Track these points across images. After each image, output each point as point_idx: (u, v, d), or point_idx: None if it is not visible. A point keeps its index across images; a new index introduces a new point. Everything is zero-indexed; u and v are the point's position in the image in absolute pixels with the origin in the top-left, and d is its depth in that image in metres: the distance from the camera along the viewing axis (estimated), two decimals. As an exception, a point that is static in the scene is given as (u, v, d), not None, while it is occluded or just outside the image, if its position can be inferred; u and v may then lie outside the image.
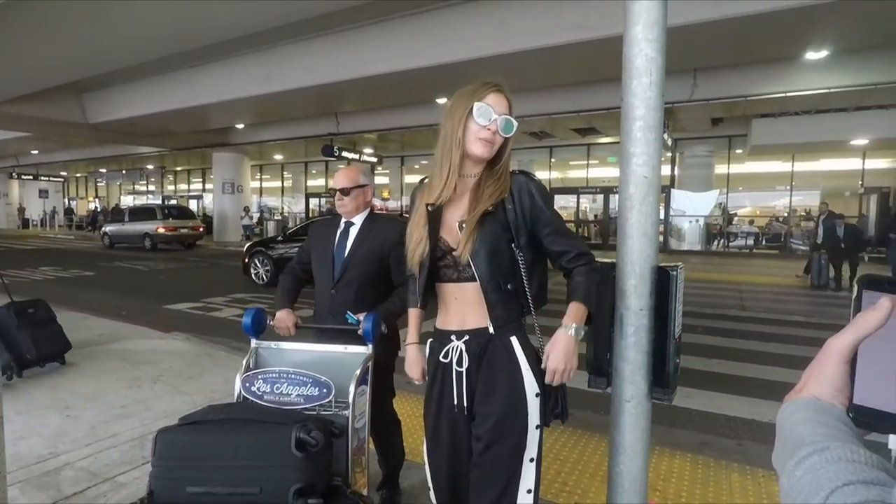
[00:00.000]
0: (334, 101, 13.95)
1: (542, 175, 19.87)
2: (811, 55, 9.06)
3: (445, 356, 1.44)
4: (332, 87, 11.21)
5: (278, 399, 1.97)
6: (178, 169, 30.64)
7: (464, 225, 1.39)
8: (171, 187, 32.27)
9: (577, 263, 1.36)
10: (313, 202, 25.60)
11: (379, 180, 23.94)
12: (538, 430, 1.37)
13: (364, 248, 2.27)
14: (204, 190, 30.23)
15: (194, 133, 19.29)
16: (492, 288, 1.37)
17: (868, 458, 0.40)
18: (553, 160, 19.49)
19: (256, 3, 7.74)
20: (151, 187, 33.43)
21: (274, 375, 2.00)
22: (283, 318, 2.22)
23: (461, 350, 1.41)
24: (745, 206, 21.01)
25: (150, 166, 28.52)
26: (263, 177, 27.22)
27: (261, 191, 26.95)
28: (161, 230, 17.37)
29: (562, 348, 1.29)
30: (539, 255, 1.43)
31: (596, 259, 1.37)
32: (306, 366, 2.03)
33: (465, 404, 1.42)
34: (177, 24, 8.70)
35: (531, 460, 1.38)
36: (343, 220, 2.33)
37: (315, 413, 1.93)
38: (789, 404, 0.47)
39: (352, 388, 1.93)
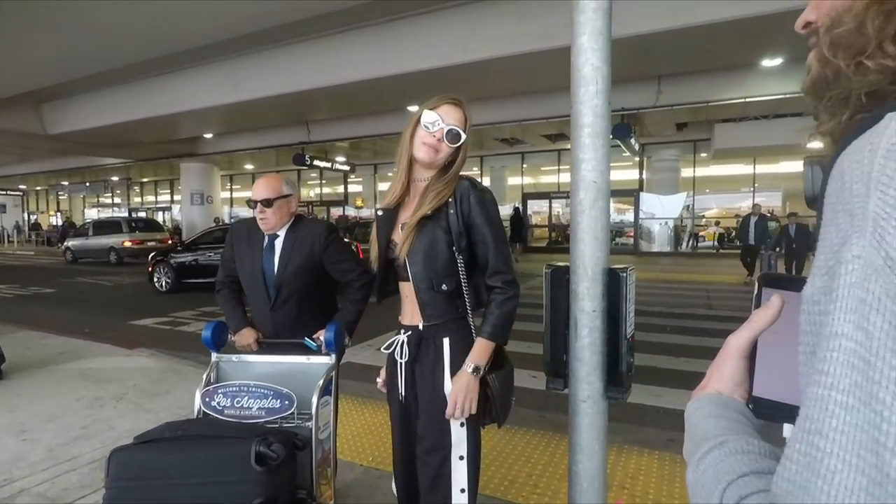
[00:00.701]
0: (305, 109, 13.86)
1: (514, 181, 20.09)
2: (767, 62, 9.40)
3: (389, 347, 1.57)
4: (302, 95, 11.13)
5: (239, 413, 1.93)
6: (145, 180, 29.94)
7: (401, 227, 1.50)
8: (138, 199, 31.50)
9: (496, 284, 1.44)
10: (285, 212, 25.34)
11: (352, 188, 23.83)
12: (465, 428, 1.43)
13: (294, 262, 2.15)
14: (172, 201, 29.60)
15: (161, 143, 18.89)
16: (424, 287, 1.46)
17: (762, 449, 0.42)
18: (525, 166, 19.71)
19: (223, 9, 7.66)
20: (117, 199, 32.57)
21: (234, 389, 1.96)
22: (245, 335, 2.19)
23: (403, 343, 1.53)
24: (712, 208, 21.60)
25: (115, 178, 27.79)
26: (234, 186, 26.82)
27: (231, 201, 26.52)
28: (127, 244, 16.87)
29: (461, 388, 1.40)
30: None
31: (516, 285, 1.45)
32: (268, 378, 2.01)
33: (407, 395, 1.54)
34: (142, 31, 8.55)
35: (461, 458, 1.43)
36: (265, 232, 2.17)
37: (277, 426, 1.91)
38: (694, 401, 0.49)
39: (314, 399, 1.90)
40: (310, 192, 25.51)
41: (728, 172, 17.54)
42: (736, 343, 0.48)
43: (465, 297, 1.47)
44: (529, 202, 19.32)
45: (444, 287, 1.45)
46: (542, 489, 2.58)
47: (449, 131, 1.46)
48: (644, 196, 17.12)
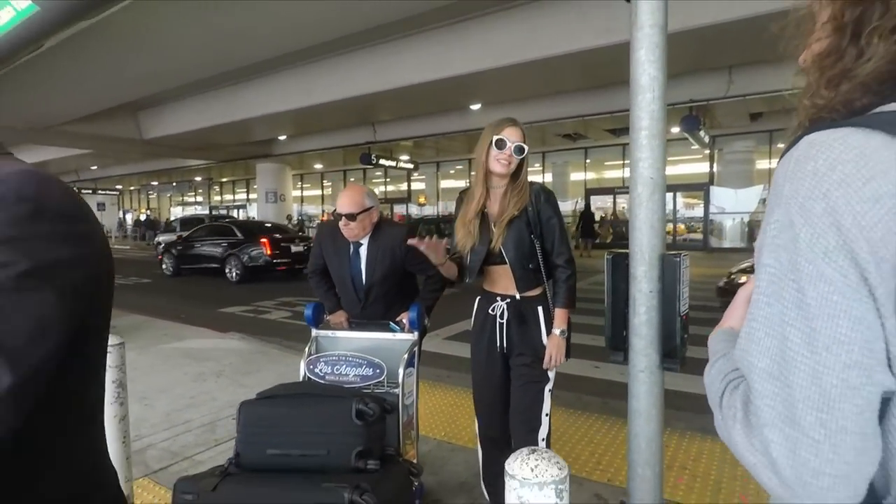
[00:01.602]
0: (371, 110, 14.42)
1: (577, 176, 19.86)
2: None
3: (493, 310, 2.02)
4: (369, 97, 11.65)
5: (338, 379, 2.24)
6: (224, 180, 31.98)
7: (495, 224, 1.96)
8: (218, 198, 33.70)
9: (560, 263, 1.96)
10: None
11: (415, 185, 24.40)
12: (551, 372, 1.99)
13: (379, 270, 2.39)
14: (248, 199, 31.46)
15: (238, 145, 20.19)
16: (518, 267, 1.95)
17: None
18: (588, 161, 19.43)
19: (299, 21, 8.21)
20: (199, 198, 35.02)
21: (334, 358, 2.27)
22: (339, 315, 2.53)
23: (503, 308, 1.99)
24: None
25: (198, 178, 29.92)
26: (304, 185, 28.13)
27: (301, 199, 27.85)
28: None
29: (555, 346, 1.94)
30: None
31: (573, 262, 1.99)
32: (360, 351, 2.29)
33: (504, 346, 2.01)
34: (223, 45, 9.30)
35: (549, 391, 1.99)
36: (349, 239, 2.38)
37: (370, 391, 2.17)
38: (714, 334, 0.70)
39: (401, 370, 2.18)
40: (375, 190, 26.37)
41: (809, 164, 16.47)
42: (744, 294, 0.68)
43: (542, 272, 1.97)
44: (593, 198, 19.07)
45: (530, 266, 1.96)
46: (605, 466, 2.75)
47: (517, 147, 1.91)
48: (715, 190, 16.47)
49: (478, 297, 2.13)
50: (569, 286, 1.95)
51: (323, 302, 2.55)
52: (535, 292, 2.00)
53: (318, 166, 25.46)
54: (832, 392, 0.46)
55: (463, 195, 2.12)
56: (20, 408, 0.59)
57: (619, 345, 1.58)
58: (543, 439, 1.97)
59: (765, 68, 10.21)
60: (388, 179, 25.12)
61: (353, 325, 2.50)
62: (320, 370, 2.26)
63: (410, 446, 2.25)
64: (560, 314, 1.95)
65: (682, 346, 1.49)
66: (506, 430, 2.08)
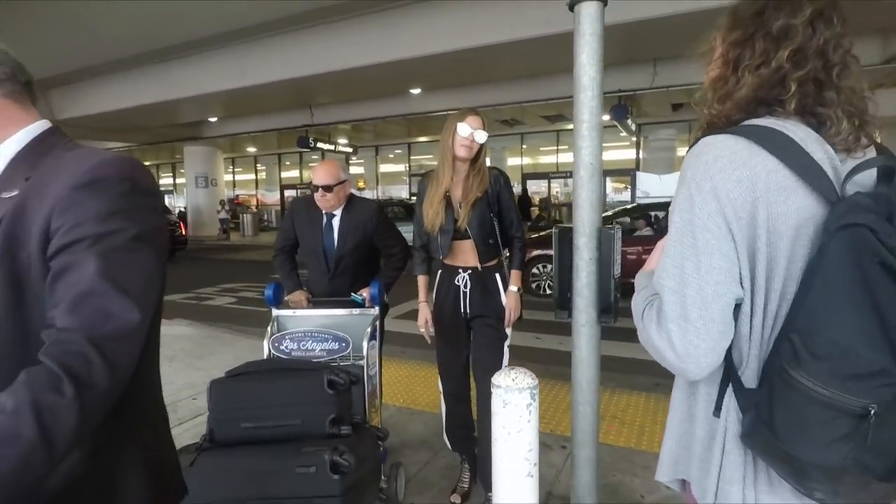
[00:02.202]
0: (309, 93, 14.16)
1: (513, 161, 20.44)
2: (758, 44, 9.75)
3: (458, 281, 2.29)
4: (307, 80, 11.45)
5: (304, 354, 2.34)
6: (148, 163, 30.15)
7: (461, 205, 2.22)
8: (140, 183, 31.76)
9: (516, 235, 2.31)
10: (289, 193, 25.68)
11: (354, 169, 24.17)
12: (510, 330, 2.31)
13: (351, 240, 2.55)
14: (175, 185, 29.90)
15: (165, 127, 19.14)
16: (481, 242, 2.24)
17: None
18: (524, 146, 20.05)
19: (234, 2, 7.98)
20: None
21: (300, 334, 2.38)
22: (298, 295, 2.63)
23: (466, 278, 2.28)
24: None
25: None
26: (236, 169, 27.10)
27: (234, 184, 26.83)
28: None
29: (514, 302, 2.27)
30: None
31: (524, 235, 2.36)
32: (323, 327, 2.41)
33: (468, 311, 2.31)
34: (152, 21, 8.86)
35: (507, 346, 2.31)
36: (323, 211, 2.52)
37: (336, 364, 2.27)
38: (640, 273, 0.97)
39: (364, 343, 2.32)
40: (310, 174, 25.82)
41: (723, 151, 17.94)
42: (660, 244, 0.96)
43: (500, 246, 2.28)
44: (529, 182, 19.73)
45: (490, 241, 2.24)
46: (548, 420, 3.10)
47: (478, 134, 2.19)
48: (641, 175, 17.53)
49: (439, 271, 2.37)
50: (522, 255, 2.31)
51: (284, 282, 2.64)
52: (493, 263, 2.29)
53: (252, 149, 24.62)
54: (708, 298, 0.74)
55: (426, 178, 2.33)
56: (142, 341, 0.78)
57: (565, 304, 1.87)
58: None
59: (685, 63, 11.00)
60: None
61: (313, 303, 2.61)
62: (286, 347, 2.37)
63: (375, 414, 2.44)
64: (515, 274, 2.27)
65: (615, 303, 1.80)
66: (466, 385, 2.40)
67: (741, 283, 0.76)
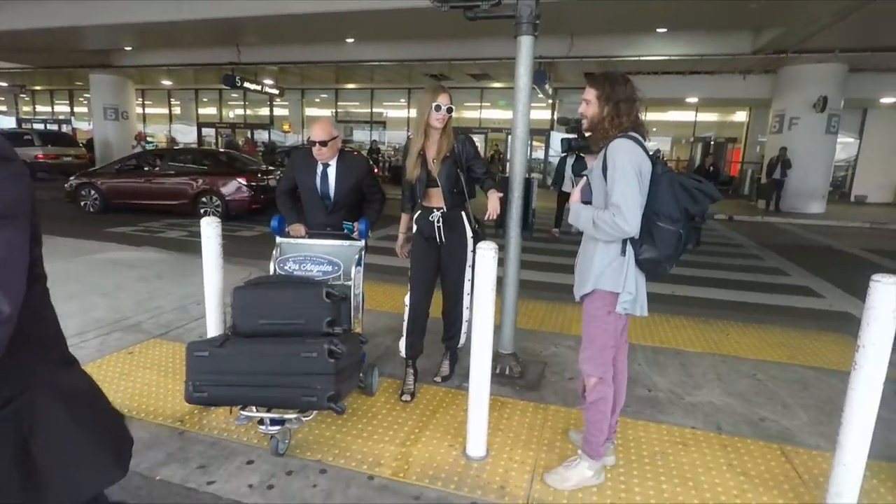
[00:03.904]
0: (238, 32, 13.95)
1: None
2: (659, 29, 11.30)
3: (431, 217, 2.88)
4: (243, 19, 11.48)
5: (304, 273, 2.81)
6: (38, 88, 27.30)
7: (433, 161, 2.84)
8: (28, 108, 28.76)
9: (485, 176, 2.86)
10: (207, 132, 24.74)
11: (278, 112, 23.75)
12: (472, 255, 2.89)
13: (346, 186, 3.00)
14: (72, 113, 27.46)
15: (70, 51, 17.69)
16: (447, 189, 2.83)
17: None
18: (449, 100, 20.88)
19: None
20: (1, 108, 29.52)
21: (301, 258, 2.83)
22: (298, 226, 3.03)
23: (439, 216, 2.87)
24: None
25: (2, 83, 25.16)
26: (146, 101, 25.44)
27: (144, 117, 25.23)
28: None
29: (495, 199, 2.72)
30: (470, 176, 2.88)
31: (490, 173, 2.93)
32: (322, 253, 2.85)
33: (441, 239, 2.88)
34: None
35: (470, 267, 2.92)
36: (319, 161, 2.94)
37: (329, 283, 2.69)
38: (574, 203, 2.08)
39: (353, 268, 2.80)
40: (229, 113, 24.90)
41: (626, 118, 19.97)
42: (578, 191, 2.09)
43: (465, 194, 2.89)
44: (453, 136, 20.65)
45: (455, 190, 2.85)
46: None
47: (448, 108, 2.78)
48: (554, 134, 19.17)
49: (417, 211, 2.94)
50: (494, 180, 2.85)
51: (286, 215, 3.07)
52: (458, 207, 2.86)
53: (167, 82, 23.26)
54: (634, 205, 1.87)
55: (407, 142, 2.92)
56: (12, 328, 0.80)
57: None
58: (468, 294, 2.91)
59: (598, 38, 12.40)
60: (246, 103, 24.00)
61: (309, 234, 3.00)
62: (289, 267, 2.81)
63: (358, 324, 2.91)
64: (493, 191, 2.75)
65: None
66: (428, 299, 2.98)
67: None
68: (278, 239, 2.94)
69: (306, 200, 3.08)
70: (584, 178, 2.15)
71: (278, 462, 2.30)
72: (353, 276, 2.78)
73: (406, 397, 2.90)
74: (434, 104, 2.72)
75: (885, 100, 14.87)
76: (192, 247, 7.00)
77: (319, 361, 2.19)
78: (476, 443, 2.34)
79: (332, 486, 2.16)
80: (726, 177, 16.76)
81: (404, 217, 3.04)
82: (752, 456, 2.47)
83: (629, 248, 1.99)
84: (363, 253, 2.88)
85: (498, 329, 2.86)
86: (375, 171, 12.90)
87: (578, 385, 2.28)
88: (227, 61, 16.67)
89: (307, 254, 2.85)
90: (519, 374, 3.16)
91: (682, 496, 2.16)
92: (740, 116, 18.54)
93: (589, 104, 2.09)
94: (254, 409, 2.33)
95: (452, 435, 2.55)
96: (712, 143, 18.70)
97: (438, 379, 3.10)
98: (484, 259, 2.24)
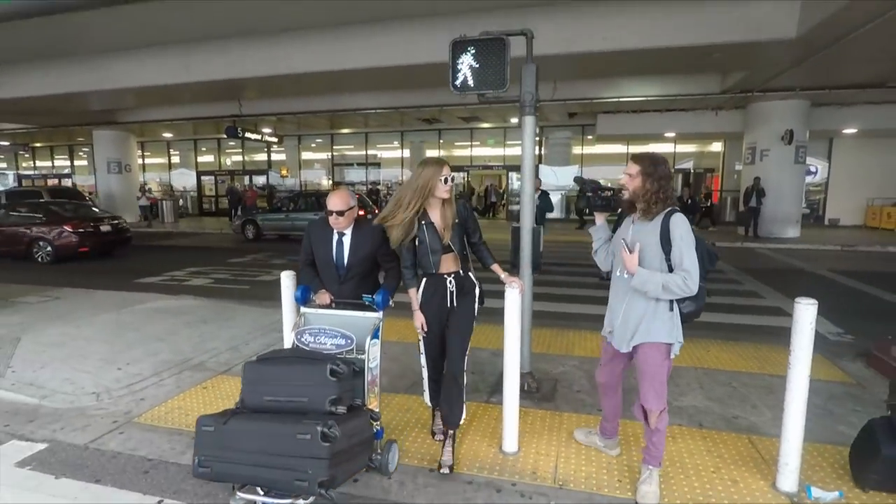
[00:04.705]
0: (240, 88, 14.84)
1: (431, 152, 22.23)
2: (636, 75, 12.36)
3: (448, 284, 2.88)
4: (246, 80, 12.38)
5: (318, 346, 2.74)
6: (38, 145, 28.04)
7: (444, 229, 2.85)
8: (28, 164, 29.42)
9: (481, 242, 2.99)
10: (206, 178, 25.49)
11: (276, 157, 24.64)
12: (475, 324, 2.96)
13: (359, 255, 3.01)
14: (73, 168, 28.17)
15: (75, 112, 18.50)
16: (458, 251, 2.88)
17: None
18: (441, 141, 21.93)
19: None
20: (1, 164, 30.20)
21: (315, 330, 2.78)
22: (323, 296, 3.04)
23: (452, 280, 2.89)
24: (599, 179, 25.38)
25: (4, 143, 25.88)
26: (146, 153, 26.26)
27: (144, 167, 25.97)
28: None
29: (503, 274, 2.97)
30: (468, 240, 2.99)
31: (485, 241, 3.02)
32: (337, 325, 2.78)
33: (454, 304, 2.90)
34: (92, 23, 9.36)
35: (471, 332, 2.95)
36: (335, 230, 2.99)
37: (343, 357, 2.66)
38: (639, 272, 2.47)
39: (367, 341, 2.73)
40: (226, 161, 25.71)
41: (609, 151, 20.99)
42: (635, 259, 2.66)
43: (469, 255, 3.00)
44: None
45: (464, 252, 2.94)
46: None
47: (452, 178, 2.85)
48: (543, 168, 20.19)
49: (424, 280, 2.90)
50: (489, 253, 3.03)
51: (311, 283, 3.10)
52: (467, 269, 2.94)
53: (168, 135, 24.15)
54: (697, 269, 2.36)
55: (388, 217, 2.85)
56: None
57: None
58: (467, 355, 2.94)
59: (579, 82, 13.47)
60: (244, 150, 24.89)
61: (334, 304, 3.03)
62: (305, 339, 2.77)
63: (374, 398, 2.79)
64: (497, 264, 3.02)
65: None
66: (441, 356, 2.96)
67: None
68: (302, 309, 2.97)
69: (321, 270, 3.11)
70: (625, 244, 2.53)
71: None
72: (367, 348, 2.72)
73: (439, 437, 3.06)
74: (441, 178, 2.78)
75: (847, 130, 16.05)
76: (219, 293, 7.63)
77: (313, 444, 2.16)
78: (510, 440, 2.97)
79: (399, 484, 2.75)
80: (702, 206, 17.66)
81: (413, 292, 2.94)
82: (726, 444, 3.11)
83: (675, 304, 2.43)
84: (381, 325, 2.81)
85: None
86: (373, 213, 13.90)
87: (638, 414, 2.65)
88: (228, 114, 17.59)
89: (322, 326, 2.81)
90: (536, 389, 3.80)
91: (671, 474, 2.79)
92: (717, 147, 19.71)
93: (633, 178, 2.49)
94: (259, 490, 2.33)
95: (489, 437, 3.17)
96: (692, 172, 19.77)
97: (446, 470, 2.81)
98: (512, 295, 2.92)
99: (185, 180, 26.09)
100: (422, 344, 2.99)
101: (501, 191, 22.78)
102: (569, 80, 13.23)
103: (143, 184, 21.75)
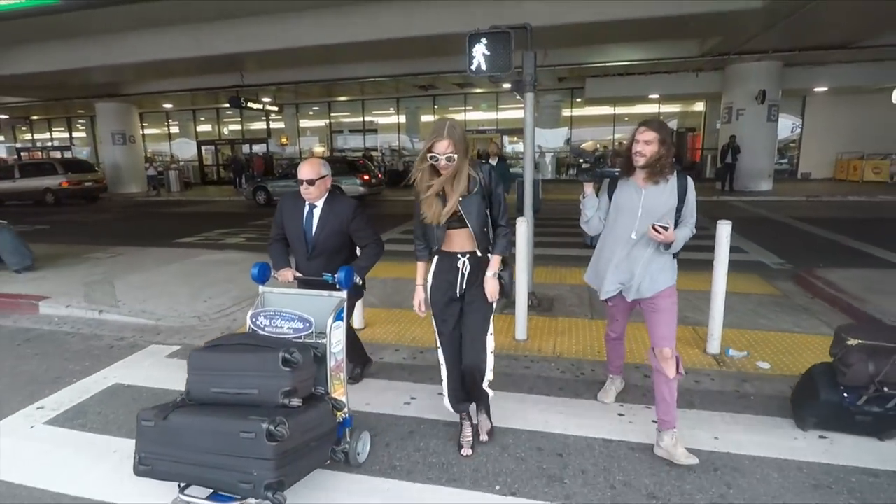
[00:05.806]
0: (244, 60, 15.46)
1: (427, 118, 22.98)
2: (622, 42, 13.23)
3: (458, 265, 2.49)
4: (252, 53, 13.10)
5: (275, 331, 2.45)
6: (36, 118, 28.31)
7: (453, 197, 2.38)
8: (27, 136, 29.69)
9: (500, 224, 2.49)
10: (206, 149, 26.09)
11: (274, 125, 25.24)
12: (494, 305, 2.59)
13: (327, 229, 2.79)
14: (71, 140, 28.54)
15: (77, 86, 18.91)
16: (478, 231, 2.44)
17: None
18: (436, 106, 22.66)
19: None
20: (-1, 137, 30.49)
21: (271, 313, 2.48)
22: (285, 273, 2.87)
23: (466, 262, 2.50)
24: (587, 140, 26.28)
25: (2, 116, 26.21)
26: (144, 124, 26.67)
27: (144, 137, 26.42)
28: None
29: (493, 285, 2.48)
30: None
31: (509, 225, 2.54)
32: (299, 307, 2.48)
33: (463, 289, 2.53)
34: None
35: (492, 319, 2.61)
36: (307, 201, 2.77)
37: (302, 341, 2.39)
38: (672, 232, 3.59)
39: (329, 322, 2.41)
40: (224, 129, 26.23)
41: (597, 113, 21.86)
42: (670, 234, 3.84)
43: (491, 234, 2.53)
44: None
45: (485, 230, 2.48)
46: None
47: (447, 157, 2.29)
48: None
49: (436, 258, 2.55)
50: (506, 241, 2.49)
51: (274, 261, 2.92)
52: (488, 251, 2.51)
53: (168, 105, 24.60)
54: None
55: (416, 178, 2.44)
56: None
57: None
58: (492, 352, 2.59)
59: (568, 49, 14.30)
60: (242, 119, 25.41)
61: (298, 282, 2.87)
62: (260, 323, 2.48)
63: (339, 385, 2.51)
64: (496, 260, 2.48)
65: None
66: (459, 350, 2.57)
67: None
68: (261, 288, 2.67)
69: (292, 244, 2.95)
70: (657, 226, 2.50)
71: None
72: (328, 331, 2.43)
73: (466, 451, 2.68)
74: (429, 156, 2.33)
75: (818, 89, 17.08)
76: (254, 248, 8.67)
77: (257, 443, 1.97)
78: (521, 331, 4.15)
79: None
80: (688, 163, 18.77)
81: (422, 266, 2.63)
82: (678, 335, 4.31)
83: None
84: (344, 305, 2.52)
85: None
86: (376, 177, 14.58)
87: (662, 364, 2.63)
88: (230, 84, 18.21)
89: (278, 309, 2.52)
90: (537, 304, 4.97)
91: (639, 350, 3.99)
92: (699, 107, 20.67)
93: (649, 144, 2.51)
94: (205, 491, 2.13)
95: (505, 333, 4.33)
96: (675, 132, 20.79)
97: (485, 437, 2.78)
98: (521, 229, 4.02)
99: (185, 150, 26.66)
100: (436, 336, 2.66)
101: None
102: (559, 47, 14.06)
103: (151, 154, 22.32)
